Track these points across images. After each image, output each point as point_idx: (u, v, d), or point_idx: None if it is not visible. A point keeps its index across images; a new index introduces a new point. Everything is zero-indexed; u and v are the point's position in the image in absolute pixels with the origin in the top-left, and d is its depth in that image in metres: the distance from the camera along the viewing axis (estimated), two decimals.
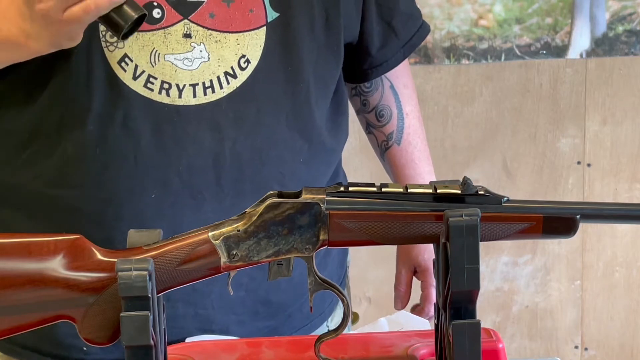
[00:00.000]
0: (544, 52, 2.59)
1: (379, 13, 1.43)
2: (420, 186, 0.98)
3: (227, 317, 1.34)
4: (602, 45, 2.59)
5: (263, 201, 0.97)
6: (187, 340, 1.29)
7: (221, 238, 0.96)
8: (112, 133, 1.25)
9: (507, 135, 2.63)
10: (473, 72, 2.60)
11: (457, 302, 0.94)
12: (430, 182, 1.00)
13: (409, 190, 0.98)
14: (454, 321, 0.94)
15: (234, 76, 1.27)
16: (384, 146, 1.55)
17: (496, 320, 2.73)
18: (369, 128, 1.56)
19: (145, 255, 0.95)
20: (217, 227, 0.97)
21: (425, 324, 1.43)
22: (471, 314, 0.95)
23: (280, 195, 0.98)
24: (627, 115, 2.64)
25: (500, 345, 1.09)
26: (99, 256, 0.96)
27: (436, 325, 1.02)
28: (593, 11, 2.56)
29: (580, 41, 2.58)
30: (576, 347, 2.76)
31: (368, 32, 1.43)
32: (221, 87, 1.27)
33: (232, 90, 1.27)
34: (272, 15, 1.28)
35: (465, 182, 0.97)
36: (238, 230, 0.96)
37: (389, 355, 1.11)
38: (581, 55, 2.60)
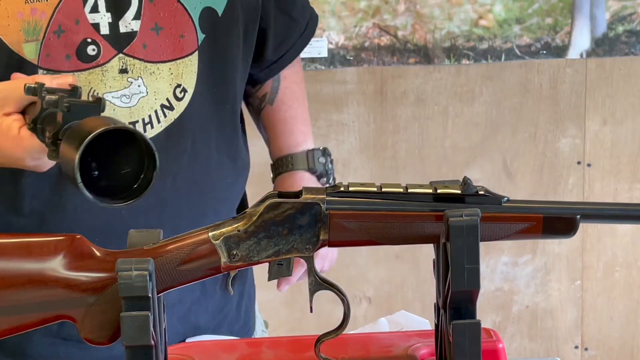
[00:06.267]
0: (544, 52, 2.59)
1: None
2: (421, 186, 0.98)
3: None
4: (602, 45, 2.59)
5: (263, 201, 0.97)
6: (187, 340, 1.29)
7: (221, 238, 0.96)
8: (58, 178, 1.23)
9: (507, 135, 2.63)
10: (473, 72, 2.60)
11: (457, 302, 0.94)
12: (430, 182, 1.00)
13: (409, 191, 0.98)
14: (454, 321, 0.94)
15: (171, 108, 1.25)
16: (259, 108, 1.49)
17: (496, 320, 2.73)
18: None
19: (146, 255, 0.95)
20: (218, 227, 0.97)
21: (426, 324, 1.42)
22: (471, 314, 0.95)
23: (280, 195, 0.98)
24: (627, 115, 2.64)
25: (500, 345, 1.09)
26: (99, 256, 0.96)
27: (436, 325, 1.02)
28: (593, 11, 2.56)
29: (580, 41, 2.58)
30: (576, 347, 2.76)
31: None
32: (159, 122, 1.24)
33: (169, 123, 1.25)
34: (201, 37, 1.26)
35: (466, 182, 0.97)
36: (238, 230, 0.96)
37: (389, 355, 1.11)
38: (581, 55, 2.60)
